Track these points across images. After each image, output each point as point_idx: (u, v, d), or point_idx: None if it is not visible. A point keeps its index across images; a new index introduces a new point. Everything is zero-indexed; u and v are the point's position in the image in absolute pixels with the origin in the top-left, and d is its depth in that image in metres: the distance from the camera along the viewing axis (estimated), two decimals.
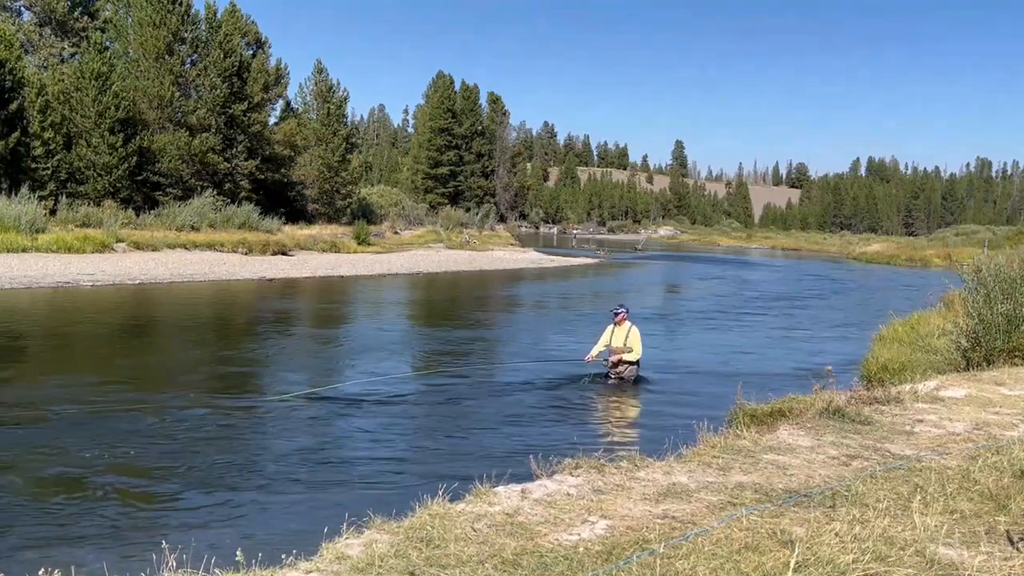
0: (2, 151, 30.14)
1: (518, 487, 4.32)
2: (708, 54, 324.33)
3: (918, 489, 4.14)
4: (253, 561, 3.35)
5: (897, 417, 6.08)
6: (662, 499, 4.12)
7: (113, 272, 23.73)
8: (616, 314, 11.14)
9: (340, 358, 13.63)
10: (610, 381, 11.00)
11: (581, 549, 3.41)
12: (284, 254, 33.85)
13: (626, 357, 10.89)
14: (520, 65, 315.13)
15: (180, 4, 38.02)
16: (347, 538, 3.57)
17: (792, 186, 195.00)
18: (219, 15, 41.58)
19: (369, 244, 40.75)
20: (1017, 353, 8.99)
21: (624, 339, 10.91)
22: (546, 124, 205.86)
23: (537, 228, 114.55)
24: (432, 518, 3.77)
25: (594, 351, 11.13)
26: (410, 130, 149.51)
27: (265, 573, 3.28)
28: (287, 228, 38.78)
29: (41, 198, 29.92)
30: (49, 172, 32.18)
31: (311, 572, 3.26)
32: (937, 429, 5.76)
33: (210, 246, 31.59)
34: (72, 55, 37.95)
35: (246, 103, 41.60)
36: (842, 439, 5.41)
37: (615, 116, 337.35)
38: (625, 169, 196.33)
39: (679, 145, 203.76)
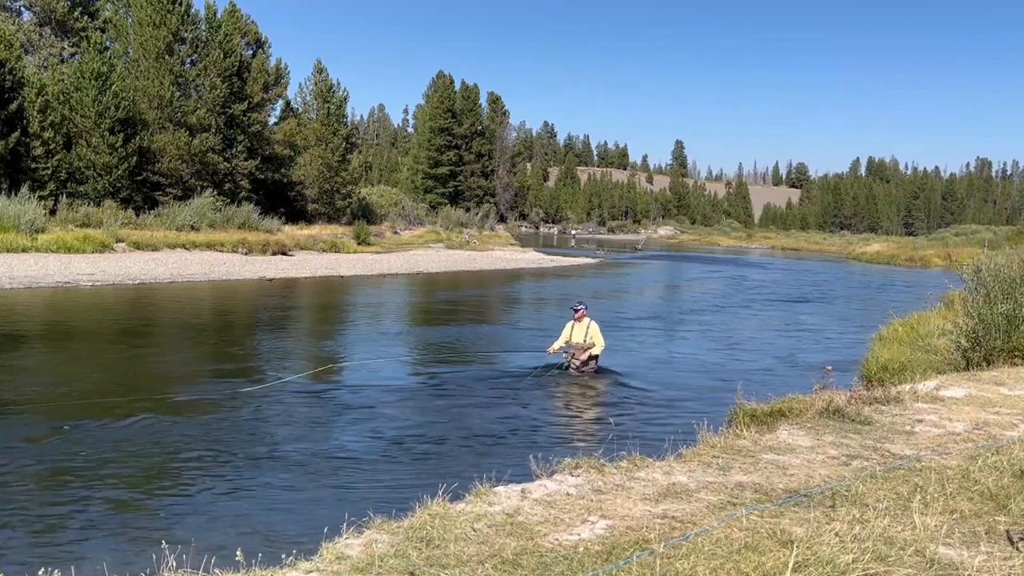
0: (2, 151, 30.14)
1: (518, 487, 4.32)
2: (708, 54, 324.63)
3: (918, 489, 4.14)
4: (253, 561, 3.35)
5: (897, 417, 6.08)
6: (662, 499, 4.12)
7: (113, 272, 23.73)
8: (575, 311, 11.53)
9: (336, 358, 13.63)
10: (571, 372, 11.34)
11: (581, 549, 3.41)
12: (284, 254, 33.84)
13: (593, 351, 11.29)
14: (520, 65, 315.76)
15: (180, 4, 38.00)
16: (347, 538, 3.57)
17: (792, 186, 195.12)
18: (219, 15, 41.56)
19: (369, 244, 40.75)
20: (1017, 353, 8.98)
21: (584, 335, 11.30)
22: (546, 124, 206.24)
23: (537, 228, 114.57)
24: (432, 518, 3.77)
25: (555, 345, 11.52)
26: (410, 130, 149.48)
27: (265, 573, 3.28)
28: (287, 228, 38.78)
29: (41, 198, 29.93)
30: (49, 172, 32.17)
31: (311, 572, 3.25)
32: (937, 429, 5.76)
33: (210, 246, 31.58)
34: (72, 55, 37.93)
35: (246, 103, 41.58)
36: (842, 439, 5.41)
37: (615, 116, 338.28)
38: (625, 169, 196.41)
39: (679, 145, 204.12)
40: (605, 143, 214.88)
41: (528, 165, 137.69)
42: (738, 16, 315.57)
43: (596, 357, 11.43)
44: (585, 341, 11.30)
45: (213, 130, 38.47)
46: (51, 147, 32.32)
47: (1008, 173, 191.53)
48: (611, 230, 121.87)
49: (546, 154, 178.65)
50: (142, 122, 36.00)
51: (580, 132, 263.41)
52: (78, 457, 7.09)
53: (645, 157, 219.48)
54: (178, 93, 37.96)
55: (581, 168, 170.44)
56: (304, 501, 6.23)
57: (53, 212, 30.36)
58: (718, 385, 11.10)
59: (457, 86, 76.14)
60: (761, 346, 15.90)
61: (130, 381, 10.54)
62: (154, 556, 3.54)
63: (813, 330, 18.93)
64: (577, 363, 11.38)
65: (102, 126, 33.15)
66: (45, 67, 36.57)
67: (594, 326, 11.38)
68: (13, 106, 30.64)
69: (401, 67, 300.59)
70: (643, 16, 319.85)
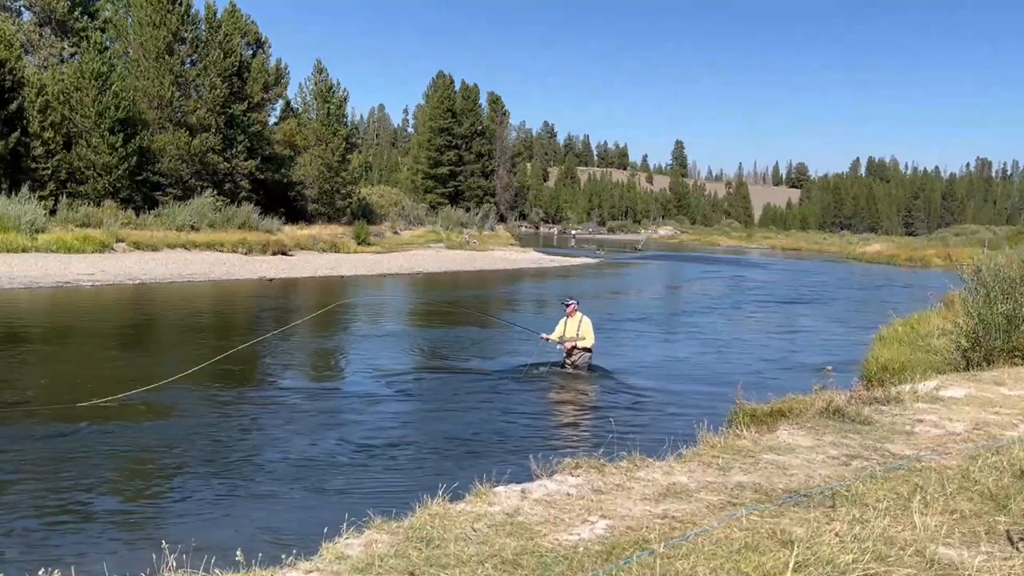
0: (2, 151, 30.14)
1: (518, 487, 4.32)
2: (708, 54, 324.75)
3: (918, 489, 4.14)
4: (253, 561, 3.35)
5: (897, 417, 6.08)
6: (662, 499, 4.12)
7: (113, 272, 23.73)
8: (567, 306, 11.70)
9: (338, 357, 13.63)
10: (566, 369, 11.52)
11: (581, 549, 3.41)
12: (284, 254, 33.83)
13: (580, 344, 11.44)
14: (520, 65, 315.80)
15: (180, 4, 38.01)
16: (347, 538, 3.57)
17: (792, 186, 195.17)
18: (219, 15, 41.56)
19: (369, 244, 40.75)
20: (1017, 353, 8.98)
21: (576, 329, 11.47)
22: (546, 124, 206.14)
23: (537, 228, 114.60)
24: (432, 518, 3.77)
25: (551, 336, 11.69)
26: (410, 130, 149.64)
27: (265, 573, 3.28)
28: (287, 228, 38.77)
29: (41, 198, 29.93)
30: (49, 172, 32.17)
31: (311, 572, 3.25)
32: (937, 429, 5.76)
33: (210, 246, 31.58)
34: (72, 55, 37.93)
35: (246, 103, 41.59)
36: (842, 439, 5.41)
37: (615, 116, 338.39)
38: (625, 169, 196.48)
39: (679, 145, 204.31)
40: (605, 143, 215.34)
41: (528, 165, 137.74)
42: (738, 16, 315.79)
43: (588, 350, 11.51)
44: (577, 335, 11.46)
45: (213, 130, 38.47)
46: (51, 147, 32.31)
47: (1008, 173, 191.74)
48: (611, 230, 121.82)
49: (546, 154, 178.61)
50: (142, 122, 35.99)
51: (580, 132, 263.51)
52: (77, 457, 7.09)
53: (645, 157, 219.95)
54: (178, 93, 37.96)
55: (581, 168, 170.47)
56: (304, 501, 6.23)
57: (53, 212, 30.36)
58: (718, 385, 11.09)
59: (457, 86, 76.14)
60: (761, 346, 15.90)
61: (128, 380, 10.53)
62: (154, 556, 3.54)
63: (813, 330, 18.92)
64: (568, 360, 11.55)
65: (102, 126, 33.14)
66: (45, 67, 36.56)
67: (586, 321, 11.50)
68: (13, 106, 30.64)
69: (401, 67, 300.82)
70: (643, 16, 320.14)
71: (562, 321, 11.68)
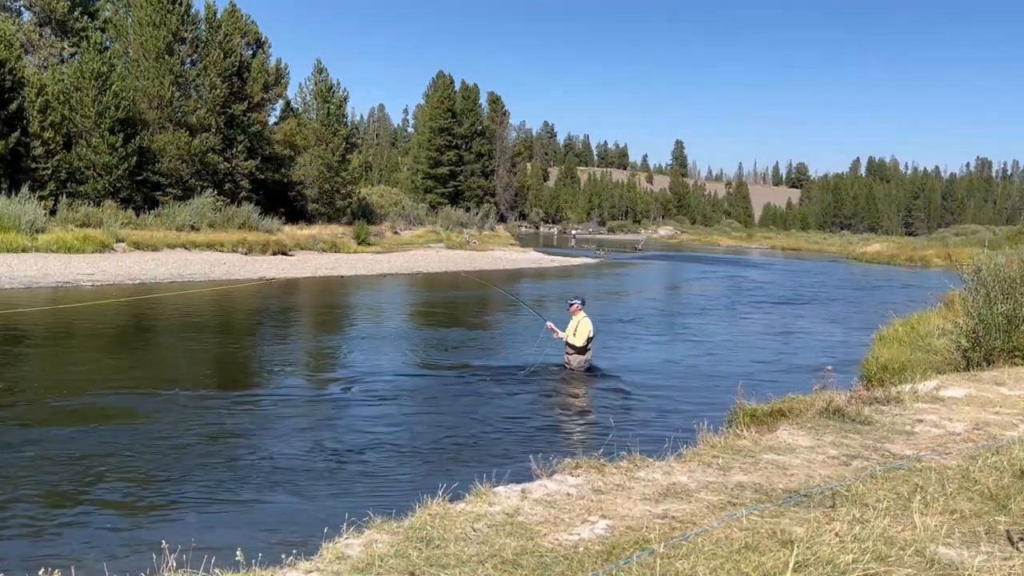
0: (2, 151, 30.15)
1: (518, 487, 4.32)
2: (708, 53, 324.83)
3: (918, 489, 4.14)
4: (253, 561, 3.36)
5: (897, 417, 6.08)
6: (662, 499, 4.12)
7: (113, 272, 23.73)
8: (570, 305, 11.90)
9: (338, 357, 13.63)
10: (566, 370, 11.63)
11: (581, 549, 3.41)
12: (284, 254, 33.84)
13: (570, 340, 11.56)
14: (520, 65, 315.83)
15: (180, 4, 38.02)
16: (347, 538, 3.57)
17: (792, 186, 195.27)
18: (219, 15, 41.57)
19: (369, 244, 40.77)
20: (1017, 353, 8.99)
21: (574, 328, 11.59)
22: (546, 124, 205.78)
23: (537, 228, 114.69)
24: (432, 518, 3.77)
25: (557, 331, 11.82)
26: (410, 130, 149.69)
27: (265, 573, 3.28)
28: (287, 228, 38.80)
29: (41, 198, 29.96)
30: (49, 172, 32.19)
31: (311, 572, 3.26)
32: (937, 429, 5.76)
33: (210, 246, 31.59)
34: (72, 55, 37.95)
35: (246, 103, 41.59)
36: (842, 439, 5.41)
37: (615, 116, 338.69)
38: (625, 169, 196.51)
39: (679, 145, 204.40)
40: (605, 143, 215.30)
41: (528, 165, 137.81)
42: (738, 16, 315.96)
43: (578, 350, 11.53)
44: (573, 334, 11.56)
45: (213, 130, 38.48)
46: (51, 147, 32.33)
47: (1008, 173, 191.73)
48: (611, 230, 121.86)
49: (546, 154, 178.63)
50: (142, 122, 36.01)
51: (580, 132, 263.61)
52: (78, 458, 7.09)
53: (645, 157, 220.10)
54: (178, 93, 37.97)
55: (581, 168, 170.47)
56: (304, 501, 6.23)
57: (53, 212, 30.38)
58: (718, 385, 11.10)
59: (457, 86, 76.16)
60: (761, 346, 15.90)
61: (127, 381, 10.53)
62: (154, 556, 3.54)
63: (812, 331, 18.92)
64: (566, 359, 11.68)
65: (102, 126, 33.15)
66: (45, 67, 36.58)
67: (584, 322, 11.52)
68: (13, 106, 30.65)
69: (401, 67, 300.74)
70: (643, 16, 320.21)
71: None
